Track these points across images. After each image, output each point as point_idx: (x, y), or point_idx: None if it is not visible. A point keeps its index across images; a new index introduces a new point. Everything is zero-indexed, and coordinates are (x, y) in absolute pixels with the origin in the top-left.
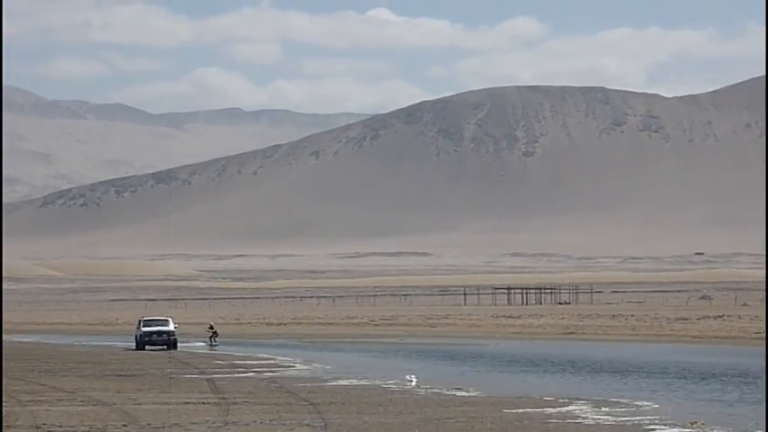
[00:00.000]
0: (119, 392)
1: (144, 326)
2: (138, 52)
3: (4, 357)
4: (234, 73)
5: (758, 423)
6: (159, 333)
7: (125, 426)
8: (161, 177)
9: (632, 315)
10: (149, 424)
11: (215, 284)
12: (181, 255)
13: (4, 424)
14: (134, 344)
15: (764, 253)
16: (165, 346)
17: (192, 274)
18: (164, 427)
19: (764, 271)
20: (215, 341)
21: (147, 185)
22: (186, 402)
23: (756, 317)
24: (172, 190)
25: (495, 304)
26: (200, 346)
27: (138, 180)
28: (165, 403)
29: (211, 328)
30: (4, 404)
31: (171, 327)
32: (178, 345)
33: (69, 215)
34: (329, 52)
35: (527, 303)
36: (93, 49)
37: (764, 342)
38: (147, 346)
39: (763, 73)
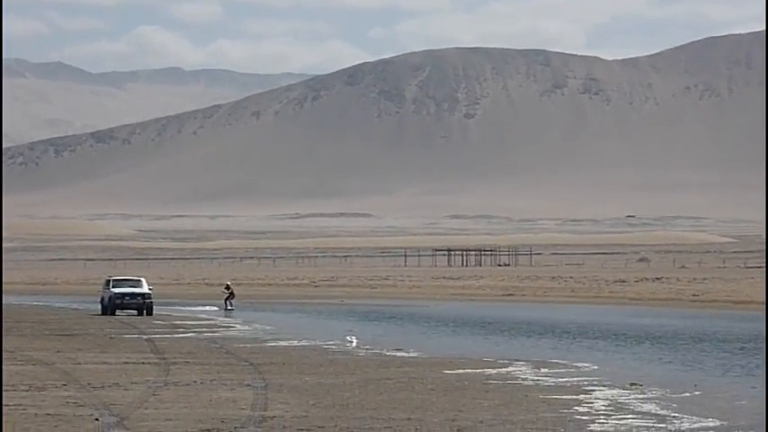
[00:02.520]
0: (58, 352)
1: (114, 286)
2: (78, 11)
3: None
4: (174, 32)
5: (696, 385)
6: (132, 295)
7: (65, 385)
8: (101, 137)
9: (571, 277)
10: (89, 383)
11: (154, 245)
12: (120, 215)
13: None
14: (99, 307)
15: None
16: (137, 311)
17: (131, 234)
18: (103, 386)
19: (705, 235)
20: (231, 304)
21: (86, 145)
22: (126, 362)
23: (694, 279)
24: (111, 150)
25: (436, 266)
26: (212, 311)
27: (77, 139)
28: (105, 363)
29: (227, 288)
30: None
31: (145, 288)
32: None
33: (8, 174)
34: (270, 12)
35: (467, 265)
36: (33, 7)
37: (703, 305)
38: (117, 311)
39: (703, 36)
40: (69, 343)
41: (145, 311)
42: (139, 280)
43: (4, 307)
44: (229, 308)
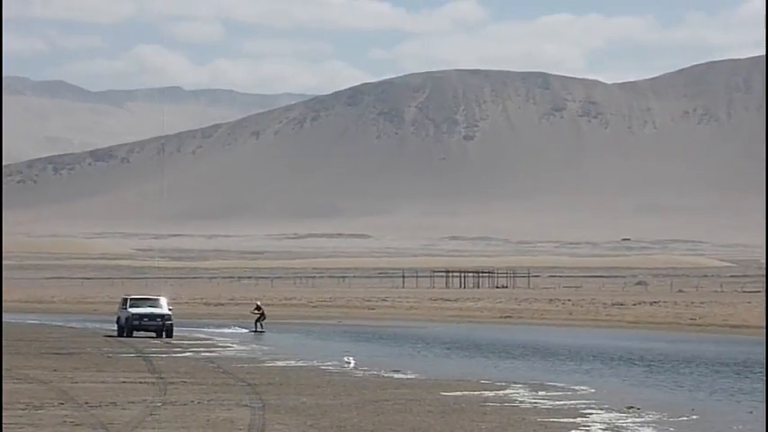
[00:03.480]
0: (55, 371)
1: (131, 306)
2: (77, 29)
3: None
4: (174, 52)
5: (693, 409)
6: (152, 316)
7: (62, 404)
8: (99, 155)
9: (569, 300)
10: (86, 402)
11: (152, 264)
12: (118, 233)
13: None
14: (116, 328)
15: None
16: (156, 333)
17: (129, 253)
18: (101, 405)
19: (703, 259)
20: (261, 326)
21: (84, 163)
22: (123, 381)
23: (692, 303)
24: (110, 168)
25: (433, 287)
26: (240, 333)
27: (76, 158)
28: (102, 382)
29: (258, 309)
30: None
31: (165, 308)
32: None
33: (6, 192)
34: (270, 32)
35: (465, 287)
36: (32, 25)
37: (700, 329)
38: (135, 332)
39: (702, 60)
40: (66, 362)
41: (164, 334)
42: (158, 299)
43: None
44: (260, 329)
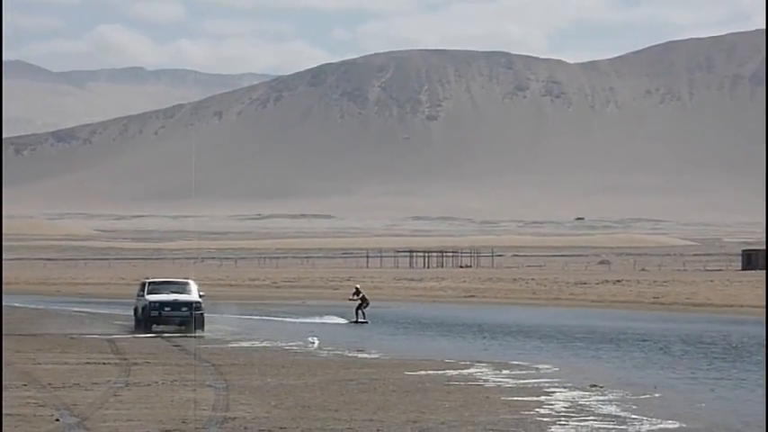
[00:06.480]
0: (18, 352)
1: (150, 292)
2: (38, 9)
3: None
4: (136, 32)
5: (656, 386)
6: (175, 305)
7: (25, 385)
8: (61, 136)
9: (533, 279)
10: (50, 383)
11: (115, 245)
12: (80, 214)
13: None
14: (133, 318)
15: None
16: (182, 327)
17: (92, 234)
18: (64, 386)
19: (666, 238)
20: (363, 315)
21: (46, 144)
22: (87, 363)
23: (654, 282)
24: (72, 149)
25: (398, 267)
26: (338, 324)
27: (37, 138)
28: (65, 363)
29: (357, 293)
30: None
31: (194, 295)
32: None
33: None
34: (231, 12)
35: (429, 267)
36: None
37: (663, 307)
38: (155, 326)
39: (663, 40)
40: (29, 343)
41: (194, 327)
42: (187, 283)
43: None
44: (362, 320)
